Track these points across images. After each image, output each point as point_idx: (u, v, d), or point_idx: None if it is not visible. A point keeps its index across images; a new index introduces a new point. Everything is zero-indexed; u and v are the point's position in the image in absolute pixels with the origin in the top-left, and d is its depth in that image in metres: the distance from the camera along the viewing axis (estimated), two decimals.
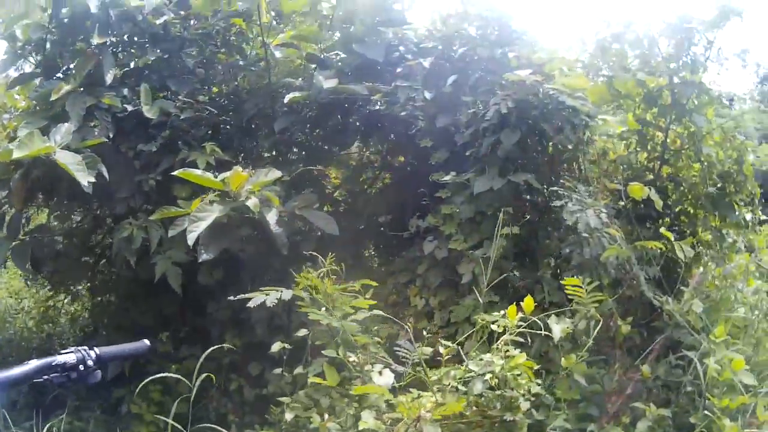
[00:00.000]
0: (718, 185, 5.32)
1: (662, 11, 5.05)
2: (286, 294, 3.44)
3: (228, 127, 5.23)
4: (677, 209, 5.28)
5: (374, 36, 4.97)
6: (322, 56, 5.16)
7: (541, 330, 3.38)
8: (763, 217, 7.51)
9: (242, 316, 4.27)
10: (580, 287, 3.53)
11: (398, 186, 5.28)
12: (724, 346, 3.80)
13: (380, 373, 3.34)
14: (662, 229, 4.17)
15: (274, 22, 5.38)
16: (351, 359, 3.37)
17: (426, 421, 2.89)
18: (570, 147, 4.50)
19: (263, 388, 4.26)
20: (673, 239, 4.06)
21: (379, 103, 4.83)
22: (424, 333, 3.58)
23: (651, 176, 5.03)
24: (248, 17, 5.16)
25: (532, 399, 3.20)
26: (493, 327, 3.25)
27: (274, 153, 5.45)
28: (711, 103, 5.28)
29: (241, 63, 5.37)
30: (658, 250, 4.13)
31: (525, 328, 3.25)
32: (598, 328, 3.57)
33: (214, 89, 5.36)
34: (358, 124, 5.26)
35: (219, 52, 5.32)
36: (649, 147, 5.21)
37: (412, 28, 5.29)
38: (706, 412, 3.61)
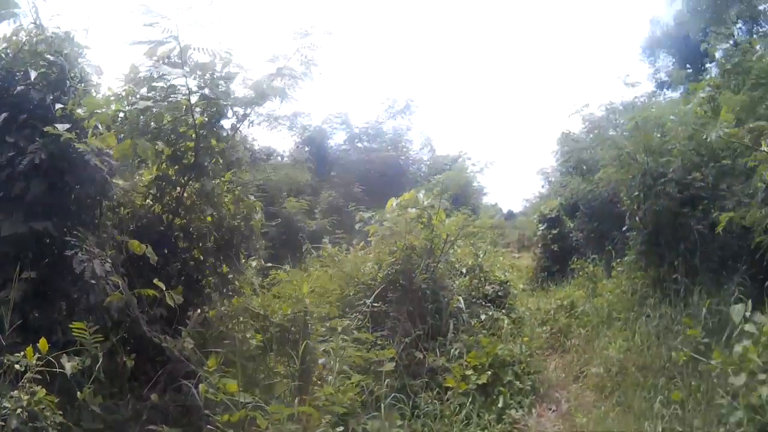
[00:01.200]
0: (226, 237, 6.23)
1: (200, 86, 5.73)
2: None
3: None
4: (185, 256, 5.92)
5: None
6: None
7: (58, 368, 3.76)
8: (269, 264, 9.03)
9: None
10: (84, 329, 3.99)
11: None
12: (217, 375, 4.69)
13: None
14: (155, 280, 4.77)
15: None
16: None
17: None
18: (89, 200, 4.88)
19: None
20: (164, 288, 4.74)
21: None
22: None
23: (162, 228, 5.65)
24: None
25: (59, 429, 3.63)
26: (17, 366, 3.57)
27: None
28: (230, 167, 6.38)
29: None
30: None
31: (44, 366, 3.63)
32: (99, 364, 4.06)
33: None
34: None
35: None
36: (165, 200, 5.80)
37: None
38: (210, 426, 4.47)
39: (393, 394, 6.43)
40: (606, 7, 55.88)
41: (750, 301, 5.78)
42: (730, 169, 8.46)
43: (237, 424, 4.63)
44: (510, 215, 38.35)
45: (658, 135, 9.68)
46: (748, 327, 5.39)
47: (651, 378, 6.88)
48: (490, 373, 7.58)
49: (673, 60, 25.31)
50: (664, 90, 23.96)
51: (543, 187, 24.08)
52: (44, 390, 3.59)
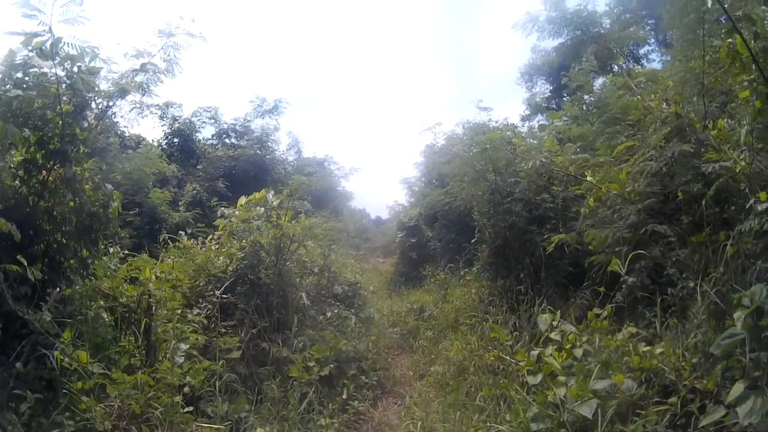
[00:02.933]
0: (86, 223, 6.41)
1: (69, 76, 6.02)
2: None
3: None
4: (48, 239, 6.07)
5: None
6: None
7: None
8: (127, 252, 9.17)
9: None
10: None
11: None
12: (72, 346, 5.17)
13: None
14: (19, 256, 5.07)
15: None
16: None
17: None
18: None
19: None
20: (26, 264, 5.05)
21: None
22: None
23: (28, 209, 5.82)
24: None
25: None
26: None
27: None
28: (94, 155, 6.55)
29: None
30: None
31: None
32: None
33: None
34: None
35: None
36: (32, 183, 5.99)
37: None
38: (65, 391, 4.90)
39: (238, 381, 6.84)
40: (492, 30, 58.18)
41: (558, 312, 6.61)
42: (574, 195, 9.18)
43: (89, 391, 5.08)
44: (378, 221, 39.26)
45: (511, 156, 10.46)
46: (552, 335, 6.15)
47: (482, 377, 7.54)
48: (333, 365, 8.07)
49: (551, 87, 27.10)
50: (538, 114, 25.53)
51: (406, 195, 25.08)
52: None
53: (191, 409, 5.81)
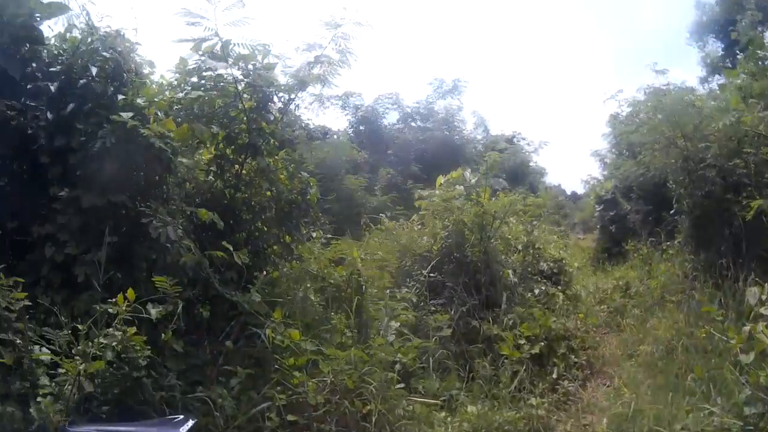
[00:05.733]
0: (285, 210, 6.57)
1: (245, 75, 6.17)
2: None
3: None
4: (249, 227, 6.33)
5: (15, 50, 5.09)
6: None
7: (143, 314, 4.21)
8: (329, 236, 9.41)
9: None
10: (165, 282, 4.45)
11: (19, 193, 5.29)
12: (283, 325, 5.24)
13: (39, 349, 3.97)
14: (224, 242, 5.18)
15: None
16: (18, 342, 3.87)
17: (84, 376, 3.78)
18: (156, 177, 5.37)
19: None
20: (232, 249, 5.15)
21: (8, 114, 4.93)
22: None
23: (226, 201, 6.06)
24: None
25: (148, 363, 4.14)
26: (110, 310, 4.03)
27: None
28: (283, 146, 6.74)
29: None
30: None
31: (132, 313, 4.08)
32: (179, 311, 4.52)
33: None
34: None
35: None
36: (226, 177, 6.22)
37: (47, 47, 5.42)
38: (277, 366, 5.02)
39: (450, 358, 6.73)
40: None
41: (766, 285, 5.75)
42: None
43: (301, 367, 5.13)
44: (574, 196, 37.68)
45: (697, 120, 9.44)
46: (763, 310, 5.42)
47: (691, 357, 6.94)
48: (543, 344, 7.69)
49: (722, 45, 24.05)
50: (716, 75, 22.74)
51: (599, 168, 23.61)
52: (134, 329, 4.07)
53: (403, 385, 5.73)
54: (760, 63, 9.78)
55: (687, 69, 47.56)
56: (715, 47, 24.76)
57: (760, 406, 4.45)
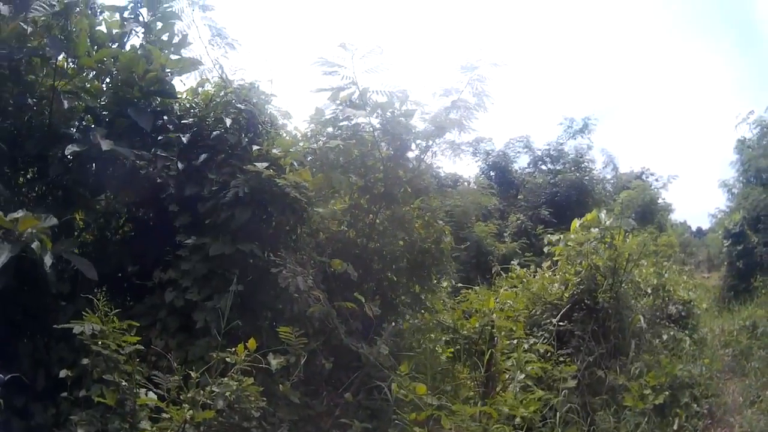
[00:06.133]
0: (418, 259, 6.36)
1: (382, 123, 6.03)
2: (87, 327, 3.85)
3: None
4: (379, 276, 6.16)
5: (146, 103, 5.32)
6: (98, 112, 5.36)
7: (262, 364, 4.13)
8: (460, 285, 9.10)
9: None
10: (290, 333, 4.35)
11: (142, 239, 5.52)
12: (408, 378, 5.02)
13: (146, 393, 3.99)
14: (356, 294, 5.06)
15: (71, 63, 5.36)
16: (123, 384, 3.93)
17: (189, 424, 3.69)
18: (288, 226, 5.34)
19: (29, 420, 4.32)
20: (364, 301, 4.99)
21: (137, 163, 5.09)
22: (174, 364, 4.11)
23: (357, 251, 5.91)
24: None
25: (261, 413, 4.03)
26: (228, 359, 3.98)
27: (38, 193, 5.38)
28: (419, 194, 6.48)
29: (29, 101, 5.22)
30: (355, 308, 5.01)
31: (251, 362, 4.01)
32: (301, 363, 4.41)
33: None
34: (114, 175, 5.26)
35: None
36: (359, 226, 6.12)
37: (179, 100, 5.67)
38: (396, 421, 4.81)
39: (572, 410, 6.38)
40: None
41: None
42: None
43: (423, 422, 4.82)
44: (699, 232, 35.88)
45: None
46: None
47: None
48: (668, 393, 7.31)
49: None
50: None
51: (727, 200, 22.02)
52: (251, 380, 3.97)
53: None
54: None
55: None
56: None
57: None
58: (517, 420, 5.68)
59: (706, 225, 31.84)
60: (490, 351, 6.38)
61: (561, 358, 7.20)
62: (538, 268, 9.56)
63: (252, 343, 4.00)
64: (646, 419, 6.64)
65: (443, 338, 6.83)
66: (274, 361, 4.22)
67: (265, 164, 4.96)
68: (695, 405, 7.67)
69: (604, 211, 9.12)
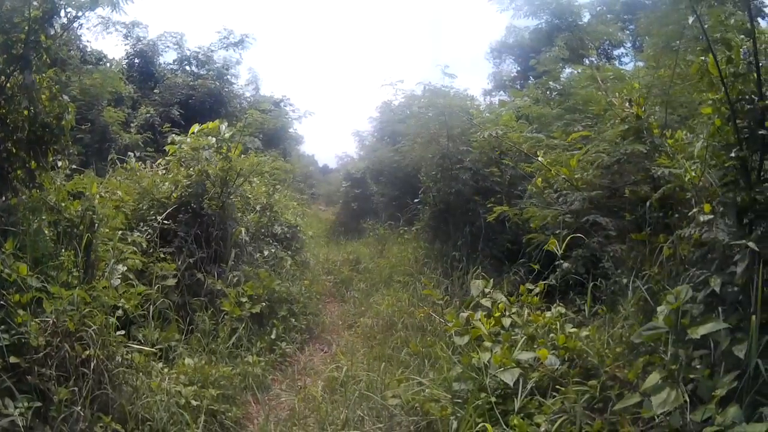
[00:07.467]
0: (38, 133, 6.05)
1: None
2: None
3: None
4: (1, 146, 5.77)
5: None
6: None
7: None
8: (75, 167, 8.82)
9: None
10: None
11: None
12: (12, 257, 4.83)
13: None
14: None
15: None
16: None
17: None
18: None
19: None
20: None
21: None
22: None
23: None
24: None
25: None
26: None
27: None
28: (56, 64, 6.21)
29: None
30: None
31: None
32: None
33: None
34: None
35: None
36: None
37: None
38: (2, 303, 4.58)
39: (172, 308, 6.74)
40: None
41: (492, 280, 6.70)
42: (523, 173, 9.15)
43: (26, 305, 4.83)
44: (325, 169, 38.81)
45: (466, 125, 10.41)
46: (483, 301, 6.21)
47: (409, 333, 7.61)
48: (265, 304, 7.98)
49: (518, 68, 26.46)
50: (501, 91, 25.21)
51: (356, 148, 24.80)
52: None
53: (123, 332, 5.63)
54: (547, 92, 11.24)
55: (477, 81, 51.56)
56: (510, 68, 27.50)
57: (470, 384, 5.02)
58: (119, 312, 5.77)
59: (333, 165, 34.17)
60: (87, 236, 6.29)
61: (163, 256, 7.37)
62: (153, 165, 9.65)
63: None
64: (243, 325, 7.12)
65: (48, 219, 6.39)
66: None
67: None
68: (293, 320, 8.46)
69: (226, 123, 9.51)
